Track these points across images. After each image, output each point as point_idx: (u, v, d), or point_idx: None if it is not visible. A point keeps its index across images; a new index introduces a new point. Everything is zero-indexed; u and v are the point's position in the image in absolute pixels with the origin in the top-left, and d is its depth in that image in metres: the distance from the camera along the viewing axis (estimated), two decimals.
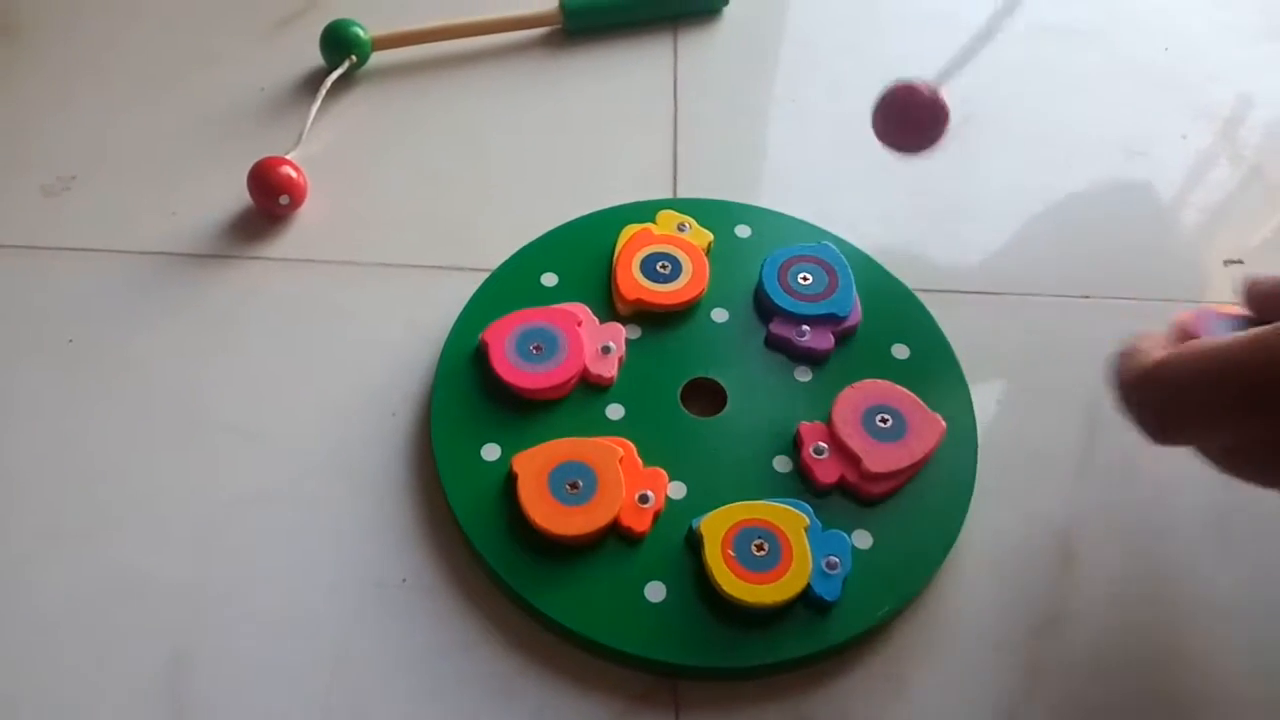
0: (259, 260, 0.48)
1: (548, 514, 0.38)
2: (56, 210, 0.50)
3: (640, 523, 0.39)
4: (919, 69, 0.56)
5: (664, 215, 0.48)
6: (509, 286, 0.46)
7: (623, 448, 0.40)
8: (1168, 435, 0.33)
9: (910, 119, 0.40)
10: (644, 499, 0.39)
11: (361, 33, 0.54)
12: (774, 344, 0.44)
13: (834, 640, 0.37)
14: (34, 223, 0.49)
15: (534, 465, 0.39)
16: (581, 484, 0.39)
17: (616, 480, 0.39)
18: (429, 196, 0.51)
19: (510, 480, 0.40)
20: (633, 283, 0.45)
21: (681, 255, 0.46)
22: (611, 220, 0.48)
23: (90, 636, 0.38)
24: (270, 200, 0.48)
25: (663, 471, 0.40)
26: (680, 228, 0.47)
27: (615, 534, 0.39)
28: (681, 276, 0.45)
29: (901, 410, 0.41)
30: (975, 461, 0.41)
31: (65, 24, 0.58)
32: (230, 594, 0.39)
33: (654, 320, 0.45)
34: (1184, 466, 0.43)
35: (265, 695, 0.37)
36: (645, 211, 0.48)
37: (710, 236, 0.47)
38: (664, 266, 0.45)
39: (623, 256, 0.46)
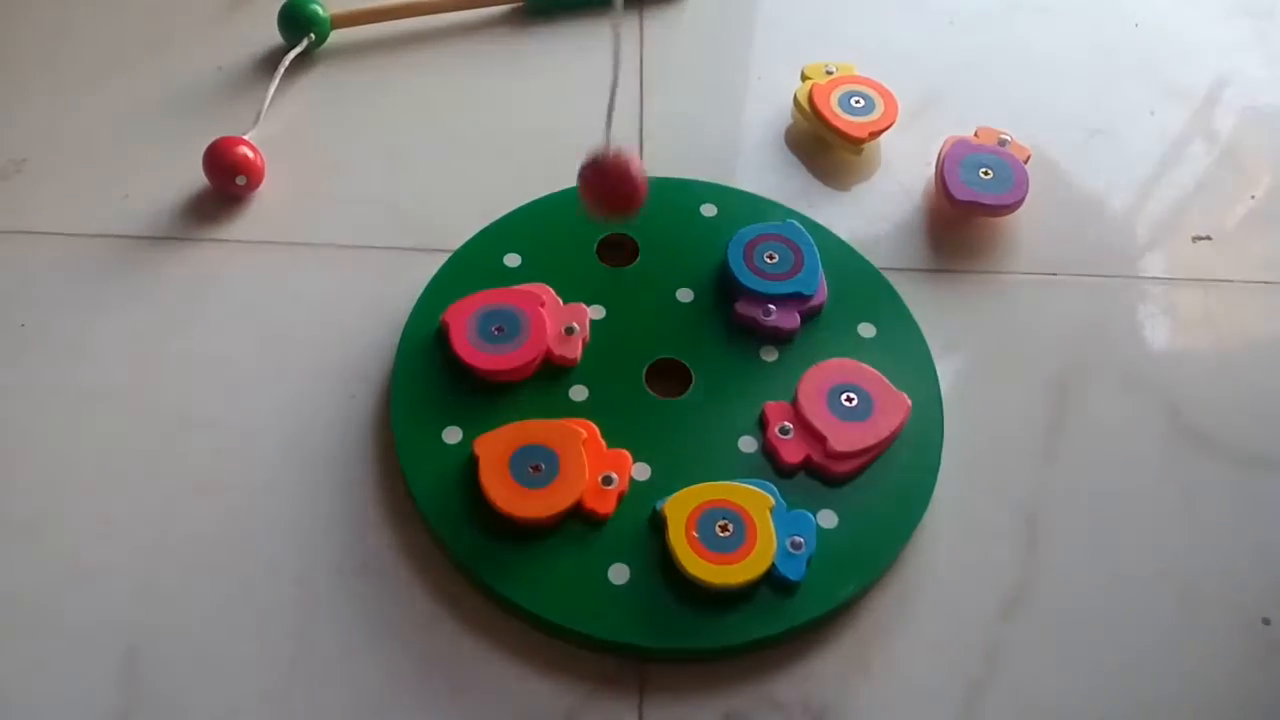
0: (215, 242, 0.47)
1: (509, 497, 0.38)
2: (8, 193, 0.49)
3: (604, 505, 0.38)
4: (883, 49, 0.56)
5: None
6: (471, 267, 0.45)
7: (586, 429, 0.40)
8: None
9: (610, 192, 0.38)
10: (607, 480, 0.39)
11: (320, 10, 0.53)
12: (740, 323, 0.44)
13: (798, 620, 0.37)
14: None
15: (495, 448, 0.39)
16: (544, 466, 0.39)
17: (579, 462, 0.39)
18: (389, 177, 0.50)
19: (471, 463, 0.39)
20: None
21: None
22: (573, 200, 0.47)
23: (40, 629, 0.37)
24: (226, 181, 0.48)
25: (626, 453, 0.40)
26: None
27: (578, 516, 0.38)
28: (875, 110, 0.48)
29: (867, 389, 0.41)
30: (941, 440, 0.41)
31: (18, 5, 0.57)
32: (185, 583, 0.38)
33: (618, 300, 0.44)
34: (1148, 445, 0.44)
35: (223, 685, 0.36)
36: None
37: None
38: (858, 101, 0.49)
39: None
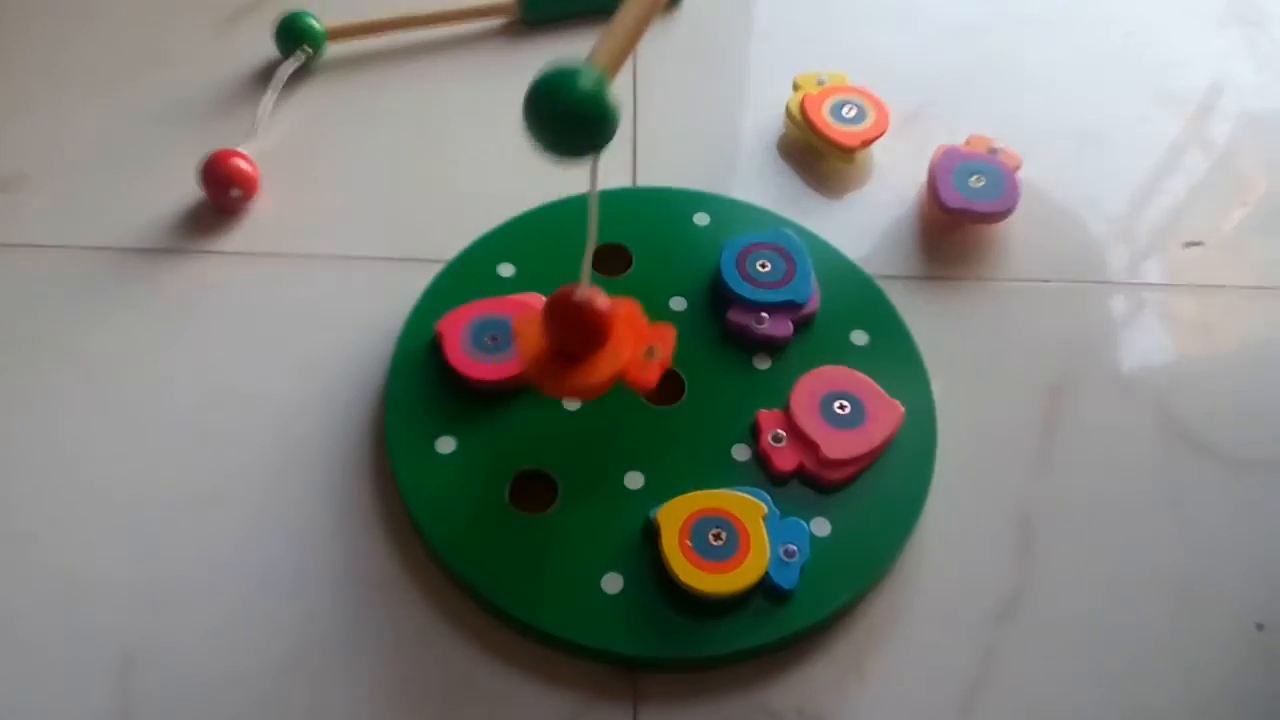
0: (212, 254, 0.48)
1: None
2: (7, 206, 0.49)
3: (646, 377, 0.37)
4: (875, 58, 0.56)
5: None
6: (465, 277, 0.45)
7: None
8: None
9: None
10: (650, 353, 0.37)
11: (316, 24, 0.54)
12: (733, 332, 0.44)
13: (792, 629, 0.37)
14: None
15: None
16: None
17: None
18: (384, 188, 0.50)
19: (467, 472, 0.39)
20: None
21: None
22: (568, 210, 0.48)
23: (37, 638, 0.37)
24: (222, 193, 0.48)
25: (671, 327, 0.38)
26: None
27: (576, 515, 0.39)
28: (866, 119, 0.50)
29: (860, 397, 0.41)
30: (934, 447, 0.41)
31: (17, 21, 0.57)
32: (181, 593, 0.38)
33: None
34: (1141, 450, 0.44)
35: (219, 696, 0.36)
36: (603, 201, 0.48)
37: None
38: (850, 110, 0.50)
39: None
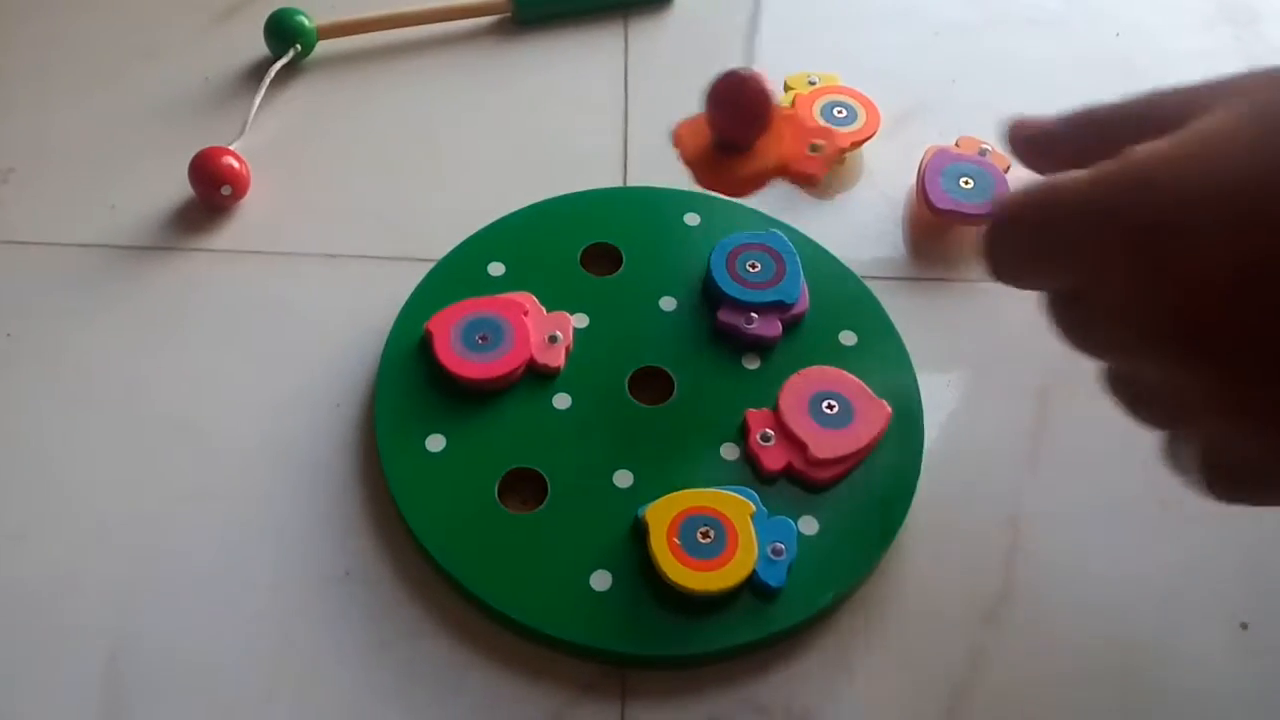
0: (201, 252, 0.48)
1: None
2: None
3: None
4: (867, 59, 0.57)
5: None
6: (455, 276, 0.45)
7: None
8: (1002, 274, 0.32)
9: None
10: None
11: (306, 21, 0.54)
12: (722, 332, 0.44)
13: (779, 626, 0.37)
14: None
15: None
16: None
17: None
18: (375, 186, 0.50)
19: (457, 470, 0.39)
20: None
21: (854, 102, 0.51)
22: (560, 209, 0.48)
23: (23, 636, 0.37)
24: (212, 191, 0.48)
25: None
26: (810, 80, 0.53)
27: (563, 508, 0.39)
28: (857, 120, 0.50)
29: (848, 396, 0.41)
30: (921, 447, 0.41)
31: (4, 16, 0.57)
32: (169, 592, 0.38)
33: (602, 309, 0.45)
34: (1129, 451, 0.44)
35: (206, 695, 0.36)
36: (594, 200, 0.48)
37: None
38: (840, 111, 0.50)
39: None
